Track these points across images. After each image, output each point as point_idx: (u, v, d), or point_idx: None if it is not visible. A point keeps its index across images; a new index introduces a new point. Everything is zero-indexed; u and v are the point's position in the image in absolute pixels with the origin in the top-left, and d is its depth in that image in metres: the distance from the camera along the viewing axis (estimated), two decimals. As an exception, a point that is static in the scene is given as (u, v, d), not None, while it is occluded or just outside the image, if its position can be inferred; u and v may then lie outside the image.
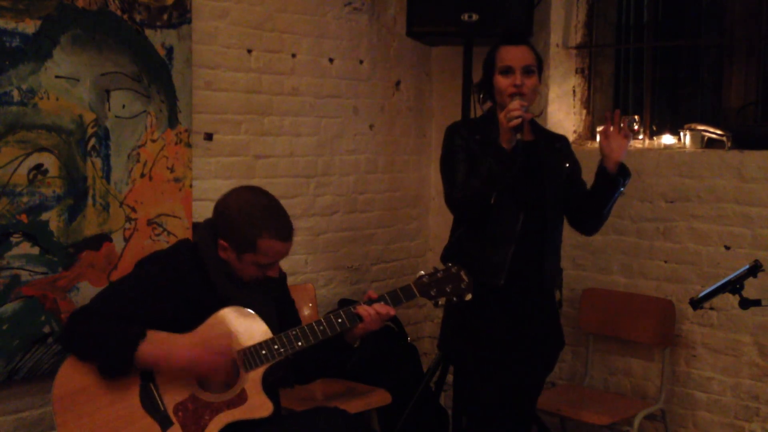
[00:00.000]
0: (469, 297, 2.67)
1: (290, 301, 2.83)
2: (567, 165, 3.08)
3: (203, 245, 2.60)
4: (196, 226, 2.66)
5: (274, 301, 2.71)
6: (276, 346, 2.53)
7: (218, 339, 2.49)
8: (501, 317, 2.97)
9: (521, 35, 3.10)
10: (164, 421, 2.46)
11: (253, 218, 2.52)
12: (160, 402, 2.48)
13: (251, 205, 2.55)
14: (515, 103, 2.80)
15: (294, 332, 2.54)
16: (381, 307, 2.60)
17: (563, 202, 3.05)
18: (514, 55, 2.95)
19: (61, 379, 2.47)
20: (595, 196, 3.01)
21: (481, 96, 3.09)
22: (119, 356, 2.42)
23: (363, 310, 2.58)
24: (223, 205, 2.59)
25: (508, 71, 2.93)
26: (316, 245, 4.16)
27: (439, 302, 2.68)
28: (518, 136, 2.79)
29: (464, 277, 2.66)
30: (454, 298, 2.65)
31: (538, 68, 3.00)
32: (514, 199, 2.92)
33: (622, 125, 2.91)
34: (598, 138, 3.03)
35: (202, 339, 2.49)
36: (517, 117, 2.76)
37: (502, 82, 2.95)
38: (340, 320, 2.56)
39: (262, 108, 3.86)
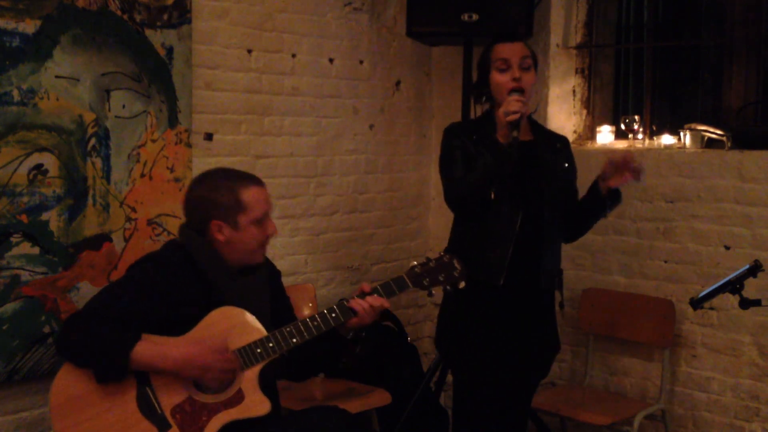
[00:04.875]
0: (462, 285, 2.65)
1: (285, 297, 2.84)
2: (566, 165, 3.07)
3: (191, 242, 2.62)
4: (180, 232, 2.71)
5: (268, 290, 2.72)
6: (271, 344, 2.53)
7: (213, 338, 2.49)
8: (497, 317, 2.96)
9: (515, 33, 3.08)
10: (162, 424, 2.46)
11: (222, 184, 2.61)
12: (157, 405, 2.47)
13: (212, 178, 2.65)
14: (513, 97, 2.78)
15: (288, 329, 2.54)
16: (374, 300, 2.59)
17: (561, 203, 3.03)
18: (509, 49, 2.92)
19: (58, 386, 2.47)
20: (581, 210, 3.05)
21: (482, 97, 3.05)
22: (114, 359, 2.42)
23: (356, 303, 2.58)
24: (192, 198, 2.65)
25: (504, 66, 2.90)
26: (316, 245, 4.16)
27: (433, 291, 2.67)
28: (515, 133, 2.74)
29: (457, 265, 2.64)
30: (448, 287, 2.64)
31: (534, 65, 2.97)
32: (513, 199, 2.91)
33: (634, 167, 2.87)
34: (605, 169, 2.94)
35: (197, 339, 2.50)
36: (515, 112, 2.73)
37: (499, 78, 2.91)
38: (333, 315, 2.57)
39: (262, 108, 3.86)
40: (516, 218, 2.91)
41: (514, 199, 2.91)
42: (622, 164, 2.86)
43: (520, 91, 2.85)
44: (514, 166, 2.81)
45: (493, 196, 2.84)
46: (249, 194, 2.59)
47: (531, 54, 2.96)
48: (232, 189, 2.59)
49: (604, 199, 2.94)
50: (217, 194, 2.58)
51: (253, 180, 2.65)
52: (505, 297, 2.94)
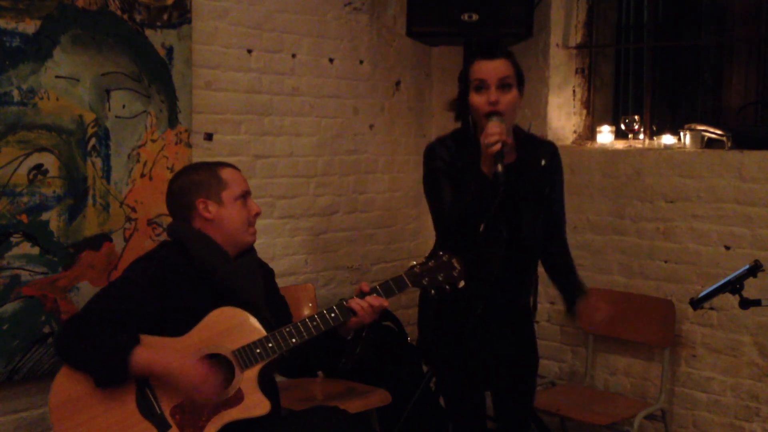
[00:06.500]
0: (461, 284, 2.62)
1: (280, 296, 2.86)
2: (547, 190, 2.86)
3: (181, 233, 2.66)
4: (168, 230, 2.74)
5: (260, 270, 2.75)
6: (270, 345, 2.53)
7: (210, 342, 2.50)
8: (477, 341, 2.86)
9: (498, 47, 2.78)
10: (162, 425, 2.46)
11: (200, 168, 2.76)
12: (156, 406, 2.48)
13: (189, 168, 2.81)
14: (493, 127, 2.56)
15: (288, 329, 2.55)
16: (374, 300, 2.59)
17: (541, 227, 2.87)
18: (487, 68, 2.67)
19: (57, 387, 2.48)
20: (553, 279, 3.03)
21: (467, 116, 2.79)
22: (113, 366, 2.42)
23: (355, 303, 2.58)
24: (174, 189, 2.73)
25: (481, 86, 2.67)
26: (316, 245, 4.16)
27: (432, 292, 2.65)
28: (499, 167, 2.52)
29: (456, 264, 2.62)
30: (447, 287, 2.63)
31: (518, 82, 2.71)
32: (496, 227, 2.74)
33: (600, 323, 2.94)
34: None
35: (197, 342, 2.50)
36: (496, 142, 2.53)
37: (476, 99, 2.68)
38: (333, 315, 2.57)
39: (262, 108, 3.86)
40: (499, 247, 2.76)
41: (498, 228, 2.74)
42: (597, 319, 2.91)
43: (497, 114, 2.63)
44: (502, 195, 2.62)
45: (482, 228, 2.68)
46: (226, 173, 2.72)
47: (514, 72, 2.71)
48: (210, 169, 2.72)
49: (571, 315, 2.98)
50: (198, 176, 2.70)
51: (228, 163, 2.78)
52: (483, 321, 2.84)
